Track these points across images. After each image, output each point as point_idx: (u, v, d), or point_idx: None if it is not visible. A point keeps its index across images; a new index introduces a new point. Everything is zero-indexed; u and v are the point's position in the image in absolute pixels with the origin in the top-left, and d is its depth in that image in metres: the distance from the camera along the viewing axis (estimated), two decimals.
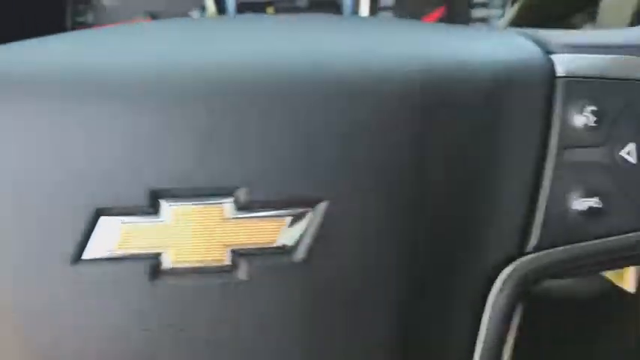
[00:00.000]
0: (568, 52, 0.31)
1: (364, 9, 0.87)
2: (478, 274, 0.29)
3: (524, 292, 0.30)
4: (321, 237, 0.27)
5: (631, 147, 0.30)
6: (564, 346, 0.47)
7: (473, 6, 0.88)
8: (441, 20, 0.87)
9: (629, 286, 0.47)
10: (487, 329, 0.30)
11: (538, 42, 0.32)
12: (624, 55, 0.31)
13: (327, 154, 0.28)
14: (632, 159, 0.30)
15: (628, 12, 0.51)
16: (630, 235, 0.30)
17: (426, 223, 0.29)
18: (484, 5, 0.88)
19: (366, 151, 0.28)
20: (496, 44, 0.32)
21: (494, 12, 0.88)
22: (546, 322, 0.45)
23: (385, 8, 0.88)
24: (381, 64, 0.29)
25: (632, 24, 0.50)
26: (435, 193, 0.29)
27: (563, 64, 0.31)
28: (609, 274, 0.47)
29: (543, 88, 0.30)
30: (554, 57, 0.31)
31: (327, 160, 0.28)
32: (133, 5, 0.88)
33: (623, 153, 0.30)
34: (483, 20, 0.88)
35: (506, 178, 0.30)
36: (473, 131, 0.29)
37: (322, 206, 0.27)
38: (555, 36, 0.32)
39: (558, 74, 0.31)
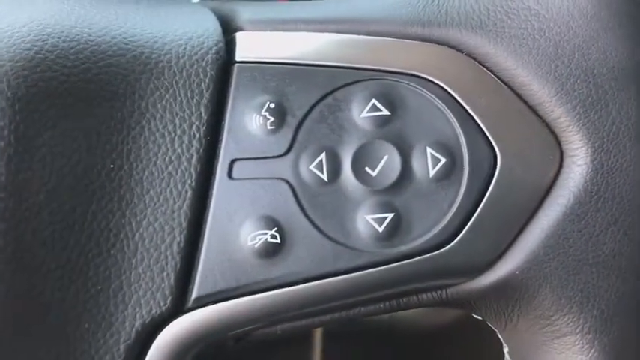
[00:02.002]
0: (253, 30, 0.24)
1: None
2: (112, 346, 0.22)
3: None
4: None
5: (322, 158, 0.23)
6: None
7: None
8: None
9: None
10: None
11: (223, 17, 0.24)
12: (322, 32, 0.24)
13: None
14: (324, 175, 0.23)
15: None
16: (310, 285, 0.23)
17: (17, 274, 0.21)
18: None
19: None
20: (172, 22, 0.24)
21: None
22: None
23: None
24: None
25: None
26: (33, 229, 0.21)
27: (244, 45, 0.24)
28: None
29: (212, 77, 0.23)
30: (239, 36, 0.24)
31: None
32: None
33: (312, 167, 0.23)
34: None
35: (155, 206, 0.22)
36: (99, 137, 0.22)
37: None
38: (245, 9, 0.25)
39: (237, 59, 0.23)
